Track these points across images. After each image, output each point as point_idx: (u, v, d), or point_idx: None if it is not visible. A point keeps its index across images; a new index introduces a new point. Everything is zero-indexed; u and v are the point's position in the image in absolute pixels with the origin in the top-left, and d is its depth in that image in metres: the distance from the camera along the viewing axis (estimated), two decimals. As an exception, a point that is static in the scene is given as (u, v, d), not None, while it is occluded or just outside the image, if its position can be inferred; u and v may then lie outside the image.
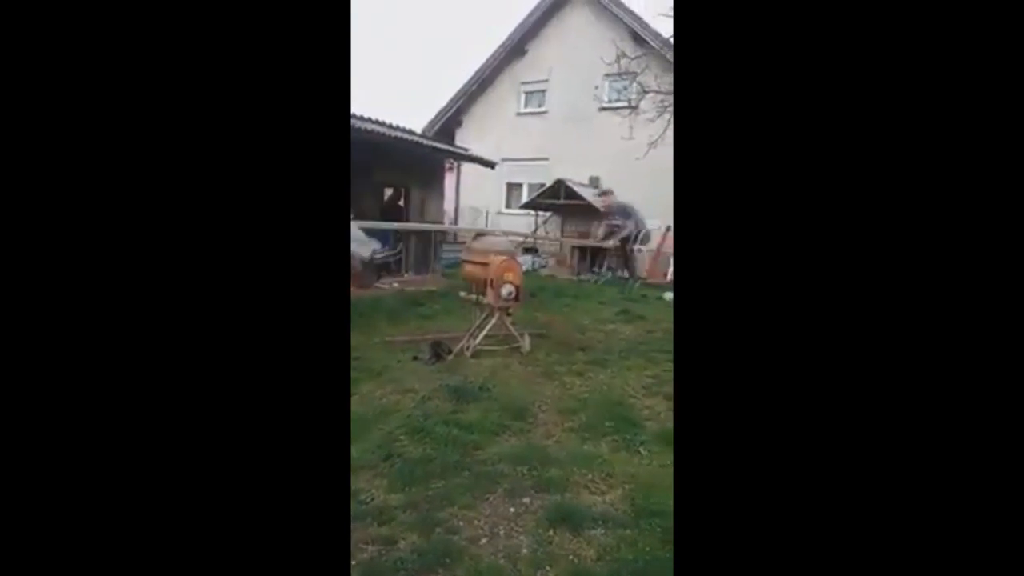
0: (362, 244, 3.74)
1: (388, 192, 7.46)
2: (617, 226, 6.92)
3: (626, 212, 6.88)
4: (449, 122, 11.48)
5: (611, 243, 7.05)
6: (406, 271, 6.77)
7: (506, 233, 4.04)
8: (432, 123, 11.43)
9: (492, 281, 3.57)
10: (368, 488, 1.82)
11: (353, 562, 1.44)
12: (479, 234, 4.64)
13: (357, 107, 5.91)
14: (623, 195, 9.32)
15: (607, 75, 9.09)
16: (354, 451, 2.08)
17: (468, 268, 3.99)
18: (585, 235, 8.61)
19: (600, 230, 7.04)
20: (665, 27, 6.40)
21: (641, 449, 2.19)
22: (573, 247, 9.06)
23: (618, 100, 8.58)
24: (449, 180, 9.42)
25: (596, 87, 9.29)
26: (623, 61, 5.09)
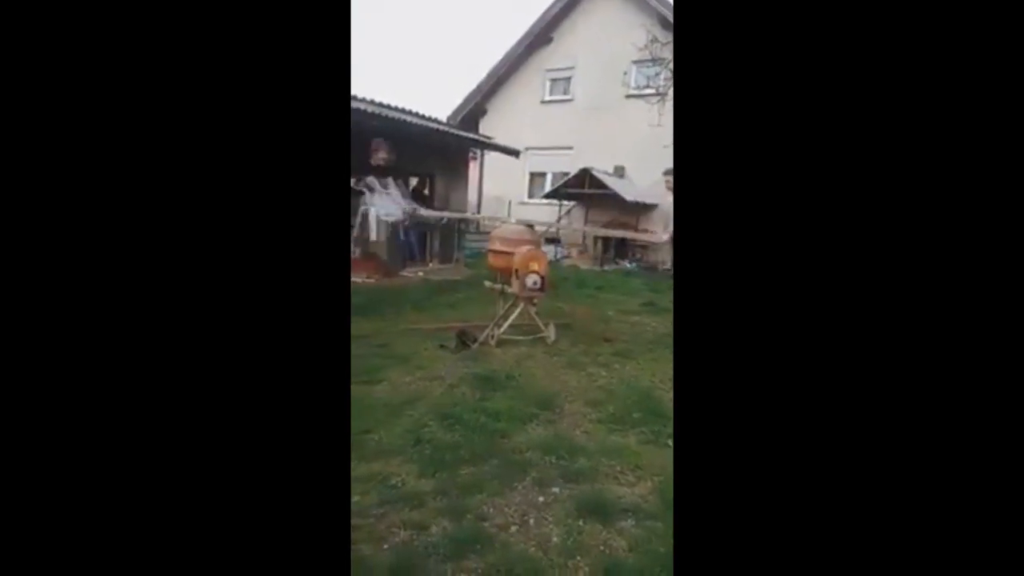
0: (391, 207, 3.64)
1: (413, 181, 7.49)
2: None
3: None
4: (474, 111, 11.43)
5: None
6: (431, 260, 6.80)
7: (529, 224, 4.01)
8: (457, 111, 11.41)
9: (517, 271, 3.56)
10: (399, 473, 1.85)
11: (385, 545, 1.46)
12: (503, 224, 4.62)
13: (383, 95, 5.92)
14: (649, 183, 9.15)
15: (635, 61, 8.91)
16: (384, 436, 2.11)
17: (493, 257, 3.98)
18: (612, 224, 8.51)
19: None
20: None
21: (670, 442, 2.17)
22: (596, 237, 8.97)
23: (647, 87, 8.41)
24: (472, 169, 9.40)
25: (625, 73, 9.13)
26: (654, 46, 4.98)
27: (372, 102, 5.86)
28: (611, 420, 2.38)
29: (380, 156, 4.45)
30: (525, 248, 3.66)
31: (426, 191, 7.39)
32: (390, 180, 4.95)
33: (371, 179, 4.83)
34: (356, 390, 2.60)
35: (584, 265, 8.47)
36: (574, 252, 9.41)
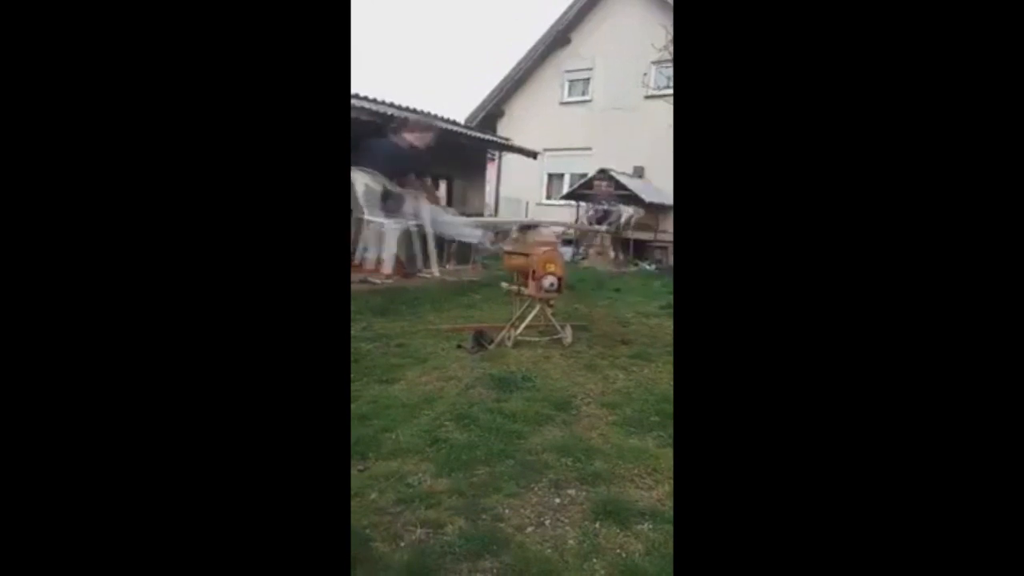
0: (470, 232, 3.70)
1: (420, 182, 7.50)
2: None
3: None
4: (492, 112, 11.47)
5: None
6: (448, 261, 6.84)
7: (550, 226, 4.04)
8: (475, 113, 11.46)
9: (534, 272, 3.56)
10: (415, 472, 1.86)
11: (402, 543, 1.47)
12: (524, 227, 4.63)
13: (401, 97, 5.98)
14: (668, 185, 9.05)
15: (654, 62, 8.84)
16: (401, 435, 2.13)
17: (510, 259, 3.99)
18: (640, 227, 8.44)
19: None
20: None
21: (689, 446, 2.14)
22: (614, 238, 8.91)
23: (667, 87, 8.33)
24: (490, 170, 9.42)
25: (644, 74, 9.06)
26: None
27: (392, 105, 5.92)
28: (628, 423, 2.36)
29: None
30: (542, 249, 3.66)
31: (437, 192, 7.38)
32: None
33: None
34: (374, 389, 2.63)
35: (602, 267, 8.42)
36: (592, 253, 9.36)
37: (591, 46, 10.28)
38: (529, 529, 1.56)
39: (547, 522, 1.60)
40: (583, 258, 9.09)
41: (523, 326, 3.62)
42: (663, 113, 7.72)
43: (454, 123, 7.17)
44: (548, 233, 3.97)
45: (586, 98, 10.56)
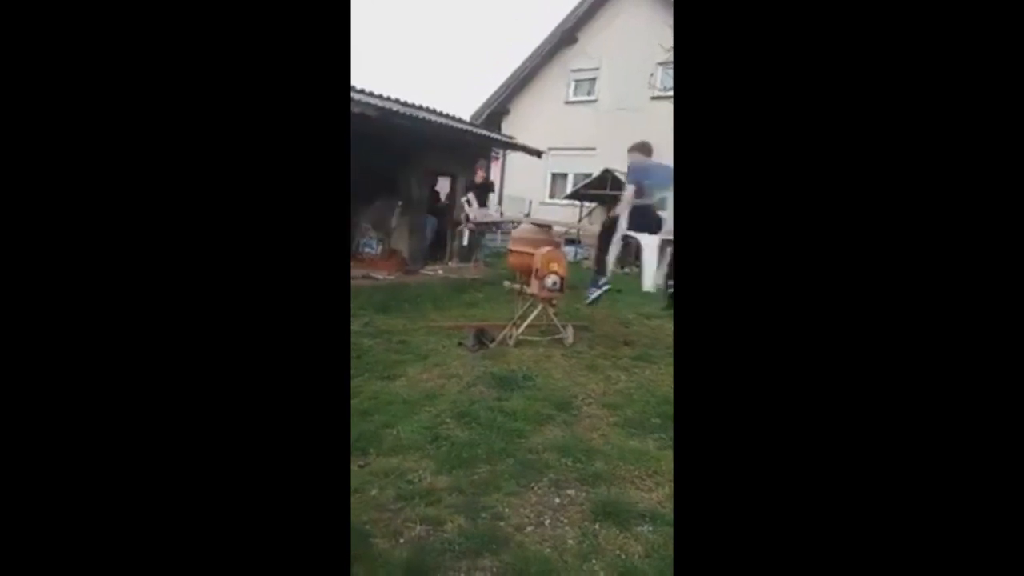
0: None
1: (444, 182, 7.50)
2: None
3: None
4: (497, 110, 11.45)
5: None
6: (451, 259, 6.84)
7: (539, 225, 4.03)
8: (480, 111, 11.44)
9: (537, 271, 3.55)
10: (416, 469, 1.86)
11: (402, 540, 1.48)
12: (519, 224, 4.68)
13: (406, 94, 5.99)
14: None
15: (660, 63, 8.83)
16: (402, 432, 2.13)
17: (513, 258, 3.98)
18: None
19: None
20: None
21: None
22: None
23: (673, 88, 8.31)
24: (494, 169, 9.41)
25: (651, 74, 9.04)
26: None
27: (397, 101, 5.92)
28: (629, 424, 2.36)
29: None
30: (545, 249, 3.66)
31: (436, 188, 7.37)
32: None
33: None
34: (375, 385, 2.63)
35: (604, 267, 8.40)
36: (593, 253, 9.34)
37: (598, 45, 10.26)
38: (529, 528, 1.56)
39: (547, 522, 1.60)
40: (585, 258, 9.08)
41: (525, 325, 3.62)
42: (668, 115, 7.70)
43: (459, 120, 7.16)
44: (529, 229, 4.01)
45: (591, 98, 10.53)
